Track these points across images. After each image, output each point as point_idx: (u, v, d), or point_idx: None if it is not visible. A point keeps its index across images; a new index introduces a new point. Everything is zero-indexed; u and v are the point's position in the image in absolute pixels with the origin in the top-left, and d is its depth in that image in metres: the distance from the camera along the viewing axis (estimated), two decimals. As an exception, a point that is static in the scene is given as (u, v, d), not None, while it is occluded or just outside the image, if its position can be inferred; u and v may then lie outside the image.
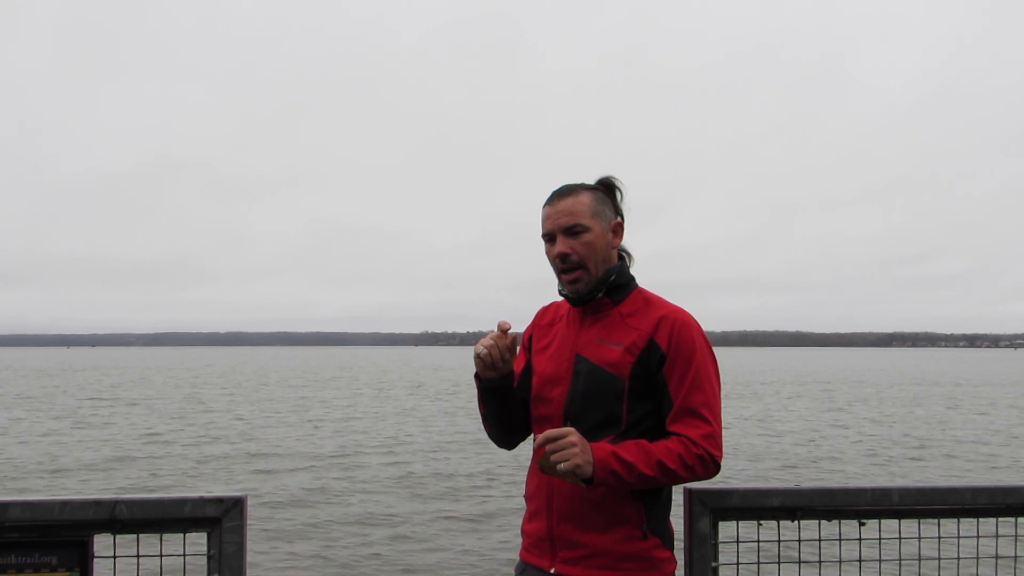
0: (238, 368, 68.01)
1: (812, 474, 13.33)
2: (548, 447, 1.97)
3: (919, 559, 2.25)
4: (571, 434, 1.97)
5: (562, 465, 1.94)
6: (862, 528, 2.21)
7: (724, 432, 2.17)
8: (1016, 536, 2.23)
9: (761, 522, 2.18)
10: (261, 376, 51.91)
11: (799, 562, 2.26)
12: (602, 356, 2.14)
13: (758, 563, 2.18)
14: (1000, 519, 2.27)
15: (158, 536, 2.03)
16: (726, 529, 2.20)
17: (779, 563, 2.20)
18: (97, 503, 1.97)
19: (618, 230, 2.24)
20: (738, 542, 2.16)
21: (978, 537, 2.24)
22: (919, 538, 2.24)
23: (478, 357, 2.16)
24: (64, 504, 1.96)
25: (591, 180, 2.25)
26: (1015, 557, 2.26)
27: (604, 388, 2.12)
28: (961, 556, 2.26)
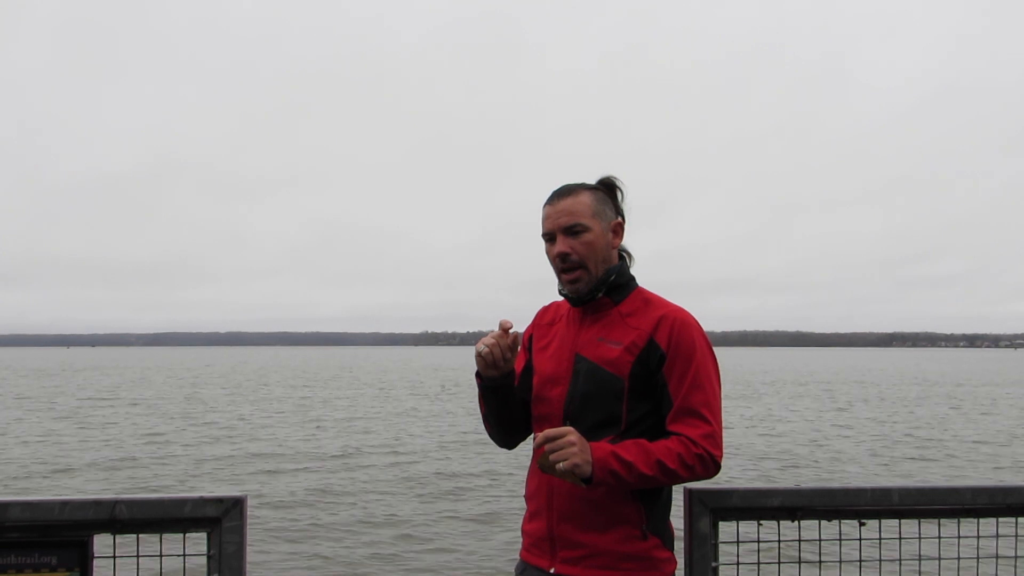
0: (238, 368, 68.01)
1: (812, 474, 13.33)
2: (547, 446, 1.97)
3: (919, 559, 2.25)
4: (570, 433, 1.97)
5: (561, 464, 1.94)
6: (862, 528, 2.21)
7: (724, 432, 2.17)
8: (1016, 536, 2.22)
9: (761, 522, 2.18)
10: (261, 376, 51.91)
11: (799, 562, 2.26)
12: (602, 355, 2.14)
13: (758, 563, 2.18)
14: (1000, 519, 2.26)
15: (158, 536, 2.03)
16: (726, 529, 2.20)
17: (779, 563, 2.20)
18: (97, 503, 1.97)
19: (618, 230, 2.24)
20: (738, 542, 2.16)
21: (978, 537, 2.24)
22: (919, 538, 2.24)
23: (479, 356, 2.16)
24: (64, 504, 1.97)
25: (591, 180, 2.25)
26: (1015, 557, 2.26)
27: (604, 388, 2.12)
28: (961, 556, 2.26)
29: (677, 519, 2.18)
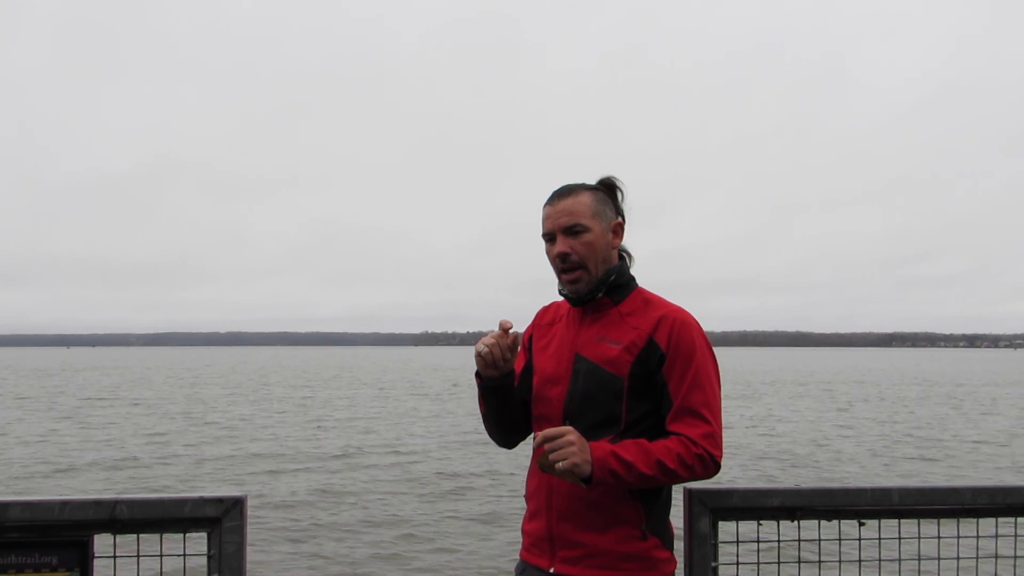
0: (238, 368, 68.00)
1: (812, 474, 13.33)
2: (547, 446, 1.97)
3: (919, 559, 2.26)
4: (569, 433, 1.97)
5: (560, 464, 1.94)
6: (862, 528, 2.21)
7: (724, 432, 2.17)
8: (1016, 536, 2.23)
9: (761, 522, 2.18)
10: (262, 376, 51.90)
11: (799, 562, 2.26)
12: (601, 355, 2.14)
13: (758, 563, 2.18)
14: (1000, 519, 2.27)
15: (158, 536, 2.03)
16: (726, 529, 2.20)
17: (779, 563, 2.21)
18: (97, 503, 1.97)
19: (618, 230, 2.24)
20: (738, 542, 2.16)
21: (978, 537, 2.24)
22: (919, 538, 2.24)
23: (479, 355, 2.16)
24: (64, 504, 1.97)
25: (591, 180, 2.26)
26: (1015, 557, 2.26)
27: (603, 387, 2.12)
28: (961, 556, 2.26)
29: (677, 519, 2.19)
